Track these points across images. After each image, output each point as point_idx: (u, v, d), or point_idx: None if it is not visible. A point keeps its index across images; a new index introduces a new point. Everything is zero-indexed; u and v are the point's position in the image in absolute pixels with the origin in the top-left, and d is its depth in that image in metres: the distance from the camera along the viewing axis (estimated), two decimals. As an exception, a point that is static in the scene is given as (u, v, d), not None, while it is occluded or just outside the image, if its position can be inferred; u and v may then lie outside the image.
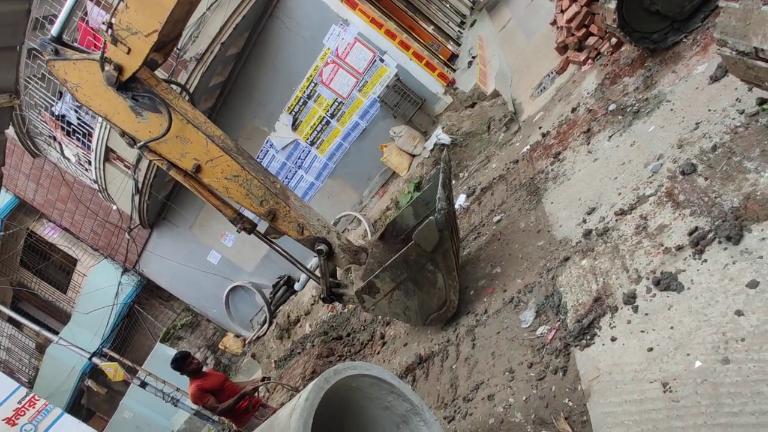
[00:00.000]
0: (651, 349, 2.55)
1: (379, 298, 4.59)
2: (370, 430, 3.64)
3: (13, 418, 4.28)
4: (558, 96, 6.53)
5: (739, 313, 2.25)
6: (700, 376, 2.21)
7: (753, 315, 2.19)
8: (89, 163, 9.28)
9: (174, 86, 4.67)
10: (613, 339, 2.84)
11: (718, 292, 2.43)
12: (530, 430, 3.03)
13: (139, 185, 8.82)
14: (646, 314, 2.74)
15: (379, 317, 6.84)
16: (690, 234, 2.82)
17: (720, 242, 2.60)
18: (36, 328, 10.05)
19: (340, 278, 5.11)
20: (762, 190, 2.57)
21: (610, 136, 4.55)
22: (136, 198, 9.14)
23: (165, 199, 9.97)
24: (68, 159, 9.67)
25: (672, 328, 2.52)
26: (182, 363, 5.09)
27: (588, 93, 5.68)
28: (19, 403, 4.37)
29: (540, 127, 6.29)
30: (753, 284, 2.28)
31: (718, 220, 2.69)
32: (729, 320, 2.27)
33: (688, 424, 2.11)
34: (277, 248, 5.00)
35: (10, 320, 10.19)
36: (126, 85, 4.00)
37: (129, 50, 3.81)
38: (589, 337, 3.02)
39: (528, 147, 6.21)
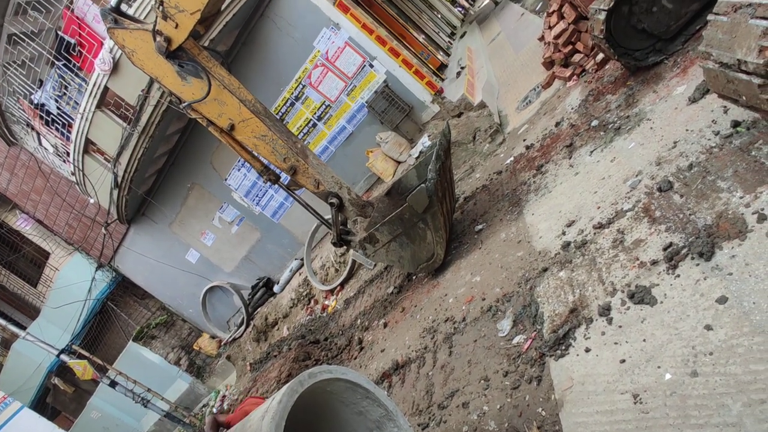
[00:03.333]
0: (623, 361, 2.59)
1: (378, 247, 5.35)
2: (343, 435, 3.61)
3: (-34, 412, 4.08)
4: (543, 110, 6.64)
5: (708, 327, 2.31)
6: (669, 389, 2.25)
7: (721, 330, 2.25)
8: (67, 154, 9.06)
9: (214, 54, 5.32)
10: (587, 350, 2.88)
11: (689, 307, 2.48)
12: (503, 438, 3.04)
13: (119, 179, 8.64)
14: (620, 326, 2.79)
15: (357, 322, 6.82)
16: (665, 249, 2.89)
17: (693, 258, 2.67)
18: (2, 322, 9.71)
19: (349, 227, 5.73)
20: (733, 210, 2.64)
21: (591, 151, 4.64)
22: (115, 192, 8.95)
23: (145, 195, 9.79)
24: (45, 149, 9.42)
25: (644, 340, 2.57)
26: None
27: (572, 108, 5.79)
28: None
29: (524, 140, 6.38)
30: (722, 300, 2.34)
31: (692, 237, 2.76)
32: (699, 334, 2.32)
33: (657, 436, 2.15)
34: (297, 198, 5.75)
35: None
36: (173, 54, 4.77)
37: (176, 25, 4.57)
38: (564, 348, 3.05)
39: (512, 158, 6.29)
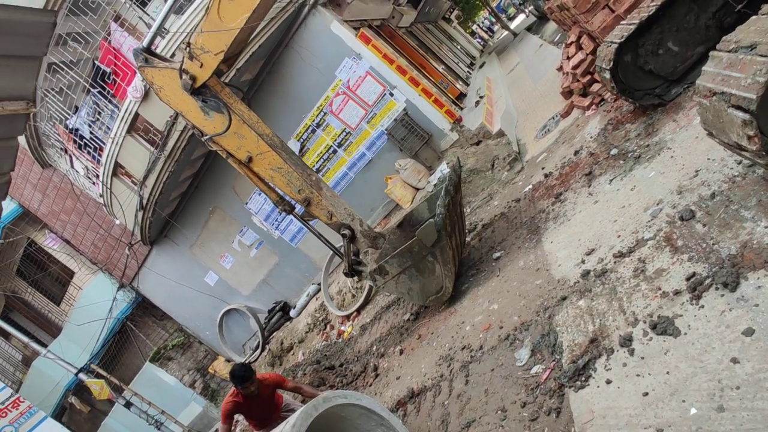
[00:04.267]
0: (646, 394, 2.51)
1: (388, 278, 5.44)
2: (357, 462, 3.54)
3: (-6, 419, 4.13)
4: (561, 138, 6.66)
5: (734, 360, 2.24)
6: (695, 424, 2.17)
7: (748, 363, 2.17)
8: (97, 176, 9.40)
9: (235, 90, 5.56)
10: (608, 381, 2.80)
11: (714, 339, 2.41)
12: (521, 472, 2.95)
13: (144, 201, 8.90)
14: (642, 358, 2.71)
15: (373, 349, 6.76)
16: (688, 279, 2.83)
17: (717, 288, 2.61)
18: (25, 339, 9.91)
19: (361, 257, 5.85)
20: (758, 239, 2.59)
21: (611, 180, 4.62)
22: (140, 214, 9.20)
23: (168, 217, 10.04)
24: (77, 171, 9.80)
25: (668, 373, 2.50)
26: (244, 379, 4.67)
27: (591, 137, 5.80)
28: (2, 404, 4.25)
29: (543, 168, 6.39)
30: (749, 332, 2.27)
31: (716, 267, 2.70)
32: (725, 368, 2.25)
33: (682, 473, 2.06)
34: (311, 228, 5.95)
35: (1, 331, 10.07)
36: (198, 91, 5.12)
37: (201, 65, 4.93)
38: (583, 379, 2.98)
39: (530, 186, 6.28)
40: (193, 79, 4.98)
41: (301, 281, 10.73)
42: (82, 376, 9.81)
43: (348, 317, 8.68)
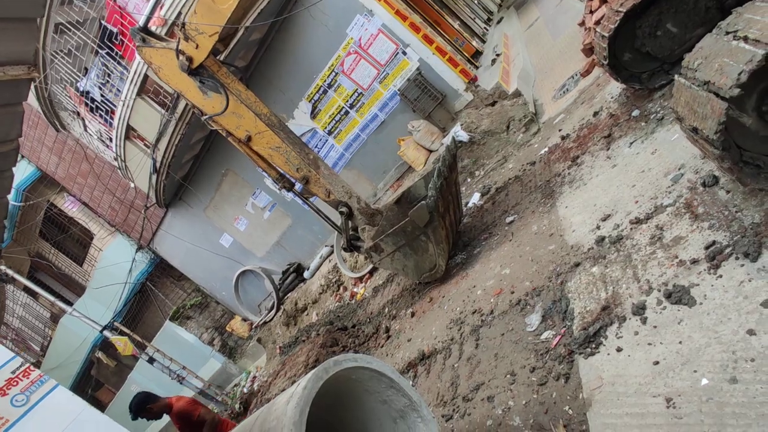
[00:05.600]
0: (657, 363, 2.49)
1: (383, 256, 5.63)
2: (367, 422, 3.65)
3: (5, 388, 4.30)
4: (581, 99, 6.40)
5: (751, 332, 2.19)
6: (705, 394, 2.15)
7: (765, 335, 2.12)
8: (110, 140, 9.42)
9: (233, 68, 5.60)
10: (619, 349, 2.78)
11: (731, 310, 2.36)
12: (528, 434, 3.00)
13: (158, 165, 8.93)
14: (655, 327, 2.68)
15: (385, 311, 6.86)
16: (707, 248, 2.75)
17: (737, 258, 2.52)
18: (51, 298, 10.30)
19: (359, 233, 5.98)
20: (785, 207, 2.48)
21: (631, 143, 4.45)
22: (154, 177, 9.26)
23: (182, 180, 10.10)
24: (90, 135, 9.83)
25: (680, 342, 2.46)
26: (141, 407, 4.57)
27: (612, 97, 5.55)
28: (13, 373, 4.41)
29: (560, 130, 6.18)
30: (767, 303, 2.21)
31: (737, 236, 2.61)
32: (740, 339, 2.21)
33: (690, 442, 2.06)
34: (310, 205, 6.13)
35: (26, 289, 10.46)
36: (195, 71, 5.15)
37: (197, 45, 4.96)
38: (594, 346, 2.97)
39: (546, 149, 6.11)
40: (190, 59, 5.03)
41: (315, 243, 10.83)
42: (106, 333, 10.22)
43: (361, 279, 8.78)
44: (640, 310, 2.85)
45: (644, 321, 2.77)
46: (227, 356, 11.84)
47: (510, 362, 3.66)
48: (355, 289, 8.90)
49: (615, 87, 5.67)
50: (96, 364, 14.14)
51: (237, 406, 9.67)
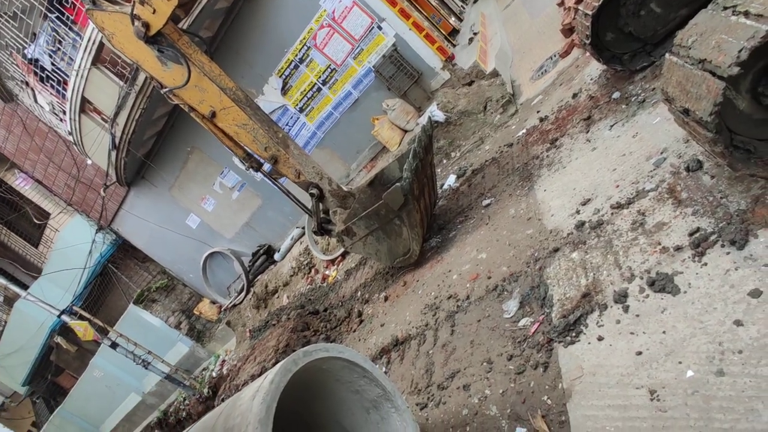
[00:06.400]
0: (640, 353, 2.41)
1: (356, 240, 5.45)
2: (338, 412, 3.51)
3: None
4: (559, 80, 6.29)
5: (738, 323, 2.11)
6: (691, 387, 2.08)
7: (753, 326, 2.05)
8: (64, 113, 8.78)
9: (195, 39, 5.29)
10: (600, 338, 2.70)
11: (717, 299, 2.28)
12: (505, 425, 2.92)
13: (117, 141, 8.39)
14: (637, 315, 2.60)
15: (357, 294, 6.71)
16: (691, 234, 2.67)
17: (723, 246, 2.45)
18: (2, 282, 9.68)
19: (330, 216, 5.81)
20: (773, 194, 2.41)
21: (611, 125, 4.35)
22: (113, 154, 8.71)
23: (144, 158, 9.55)
24: (42, 107, 9.13)
25: (664, 332, 2.39)
26: None
27: (591, 79, 5.45)
28: None
29: (538, 111, 6.07)
30: (755, 293, 2.14)
31: (723, 222, 2.53)
32: (727, 330, 2.13)
33: (675, 437, 1.99)
34: (279, 186, 5.89)
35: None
36: (153, 39, 4.74)
37: (154, 10, 4.53)
38: (574, 334, 2.88)
39: (524, 131, 5.99)
40: (146, 26, 4.62)
41: (285, 225, 10.53)
42: (65, 317, 9.72)
43: (333, 262, 8.58)
44: (621, 298, 2.77)
45: (626, 309, 2.69)
46: (195, 340, 11.51)
47: (486, 350, 3.57)
48: (327, 272, 8.71)
49: (595, 68, 5.57)
50: (55, 350, 13.54)
51: (205, 390, 9.43)
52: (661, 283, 2.59)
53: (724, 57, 2.06)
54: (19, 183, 11.53)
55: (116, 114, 8.01)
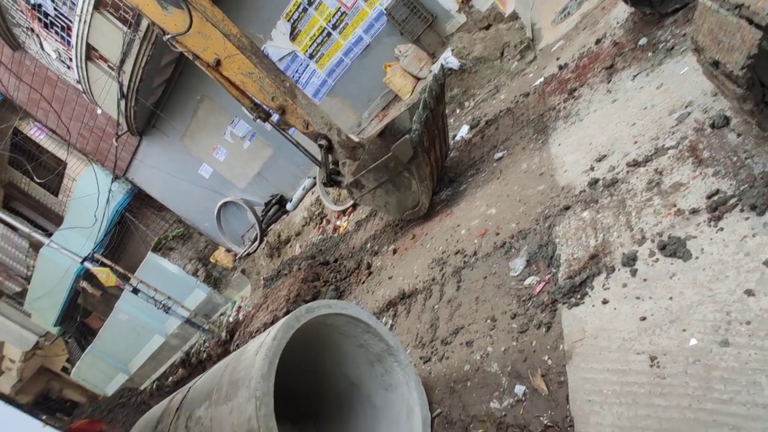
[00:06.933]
0: (644, 319, 2.36)
1: (365, 192, 5.39)
2: (345, 365, 3.60)
3: None
4: (583, 24, 5.87)
5: (749, 292, 2.03)
6: (693, 355, 2.04)
7: (765, 297, 1.97)
8: (70, 60, 8.62)
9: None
10: (605, 302, 2.65)
11: (729, 266, 2.19)
12: (505, 382, 2.95)
13: (125, 89, 8.26)
14: (645, 280, 2.53)
15: (367, 246, 6.74)
16: (709, 197, 2.53)
17: (742, 210, 2.32)
18: (27, 230, 9.99)
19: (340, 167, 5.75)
20: (803, 155, 2.23)
21: (634, 75, 4.07)
22: (122, 103, 8.62)
23: (153, 107, 9.44)
24: (48, 54, 8.98)
25: (671, 298, 2.32)
26: None
27: (617, 23, 5.06)
28: None
29: (558, 58, 5.72)
30: (772, 262, 2.03)
31: (745, 185, 2.38)
32: (737, 299, 2.05)
33: (671, 404, 1.97)
34: (288, 137, 5.85)
35: (3, 221, 10.09)
36: None
37: None
38: (579, 296, 2.84)
39: (542, 79, 5.68)
40: None
41: (297, 174, 10.48)
42: (87, 264, 10.08)
43: (344, 212, 8.59)
44: (630, 261, 2.68)
45: (634, 273, 2.61)
46: (212, 287, 11.89)
47: (491, 307, 3.57)
48: (338, 222, 8.74)
49: (622, 11, 5.16)
50: (82, 294, 14.19)
51: (223, 334, 9.86)
52: (673, 248, 2.49)
53: (765, 2, 1.83)
54: (34, 132, 11.60)
55: (122, 62, 7.84)
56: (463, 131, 6.50)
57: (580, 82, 4.83)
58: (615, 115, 3.91)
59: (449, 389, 3.32)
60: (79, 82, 8.81)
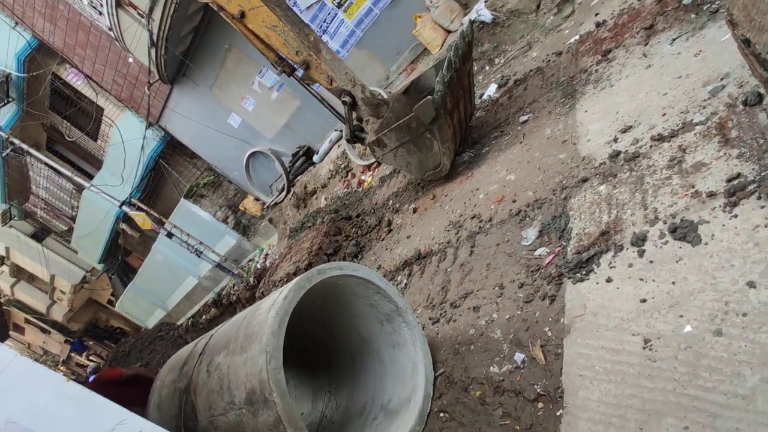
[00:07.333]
0: (644, 301, 2.38)
1: (386, 151, 5.38)
2: (357, 322, 3.79)
3: None
4: (628, -26, 5.42)
5: (751, 284, 2.01)
6: (685, 342, 2.07)
7: (766, 290, 1.95)
8: (101, 5, 8.66)
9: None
10: (609, 280, 2.67)
11: (737, 255, 2.15)
12: (506, 348, 3.07)
13: (154, 37, 8.30)
14: (651, 262, 2.52)
15: (389, 203, 6.82)
16: (728, 181, 2.44)
17: (759, 198, 2.24)
18: (68, 174, 10.51)
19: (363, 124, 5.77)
20: (833, 144, 2.11)
21: (674, 39, 3.81)
22: (152, 51, 8.69)
23: (182, 57, 9.48)
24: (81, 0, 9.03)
25: (674, 283, 2.32)
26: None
27: (664, -25, 4.66)
28: None
29: (597, 14, 5.37)
30: (779, 255, 1.99)
31: (766, 171, 2.29)
32: (738, 290, 2.04)
33: (657, 387, 2.04)
34: (312, 92, 5.95)
35: (47, 165, 10.64)
36: None
37: None
38: (584, 272, 2.86)
39: (577, 37, 5.38)
40: None
41: (324, 127, 10.47)
42: (125, 208, 10.60)
43: (369, 167, 8.63)
44: (640, 241, 2.66)
45: (641, 254, 2.60)
46: (241, 233, 12.36)
47: (501, 274, 3.63)
48: (362, 177, 8.81)
49: (671, -39, 4.73)
50: (121, 235, 15.02)
51: (251, 279, 10.36)
52: (683, 231, 2.45)
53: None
54: (71, 78, 11.90)
55: (151, 9, 7.83)
56: (491, 90, 6.29)
57: (616, 42, 4.56)
58: (647, 82, 3.71)
59: (454, 351, 3.47)
60: (111, 29, 8.88)
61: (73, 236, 15.74)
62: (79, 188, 13.28)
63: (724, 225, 2.31)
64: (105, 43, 10.46)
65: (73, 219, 15.70)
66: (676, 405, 1.92)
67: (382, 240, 6.18)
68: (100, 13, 8.99)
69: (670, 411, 1.92)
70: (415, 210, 5.87)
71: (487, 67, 6.94)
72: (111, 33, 9.12)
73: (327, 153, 10.46)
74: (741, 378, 1.79)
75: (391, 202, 6.86)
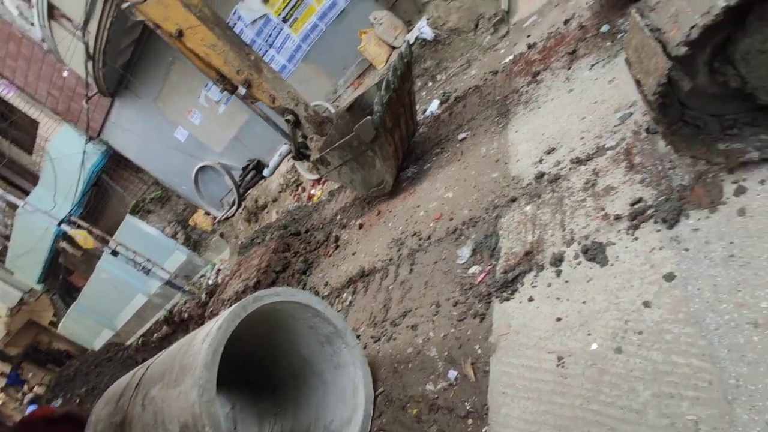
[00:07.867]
0: (559, 320, 2.54)
1: (331, 169, 5.46)
2: (297, 343, 3.80)
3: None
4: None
5: (647, 304, 2.19)
6: (591, 359, 2.22)
7: (658, 310, 2.13)
8: (33, 16, 8.25)
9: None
10: (531, 299, 2.82)
11: (636, 276, 2.34)
12: (441, 366, 3.16)
13: (90, 50, 7.98)
14: (567, 282, 2.69)
15: (337, 218, 6.85)
16: (632, 204, 2.65)
17: (656, 222, 2.44)
18: (0, 192, 9.88)
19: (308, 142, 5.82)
20: (714, 174, 2.34)
21: (592, 65, 4.08)
22: (89, 64, 8.35)
23: (122, 69, 9.15)
24: (9, 10, 8.56)
25: (584, 302, 2.48)
26: None
27: (586, 2, 4.98)
28: None
29: (528, 36, 5.64)
30: (669, 277, 2.19)
31: (662, 197, 2.50)
32: (635, 309, 2.22)
33: (567, 403, 2.17)
34: (256, 110, 5.93)
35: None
36: None
37: None
38: (510, 292, 3.00)
39: (511, 57, 5.63)
40: None
41: (274, 140, 10.34)
42: (64, 227, 10.08)
43: (318, 181, 8.63)
44: (557, 261, 2.83)
45: (558, 274, 2.77)
46: (192, 249, 12.01)
47: (437, 293, 3.74)
48: (312, 191, 8.80)
49: (591, -11, 5.06)
50: (62, 253, 14.24)
51: (203, 296, 10.08)
52: (594, 252, 2.63)
53: (677, 32, 1.88)
54: (2, 90, 11.22)
55: (86, 21, 7.53)
56: (434, 106, 6.47)
57: (544, 65, 4.82)
58: (569, 106, 3.95)
59: (393, 369, 3.54)
60: (43, 41, 8.46)
61: (7, 256, 14.77)
62: (14, 206, 12.50)
63: (627, 247, 2.50)
64: (38, 55, 9.94)
65: (7, 238, 14.73)
66: (582, 420, 2.06)
67: (330, 256, 6.20)
68: (32, 24, 8.55)
69: (577, 426, 2.06)
70: (361, 226, 5.93)
71: (430, 83, 7.13)
72: (44, 44, 8.69)
73: (277, 166, 10.36)
74: (635, 393, 1.95)
75: (339, 217, 6.90)
